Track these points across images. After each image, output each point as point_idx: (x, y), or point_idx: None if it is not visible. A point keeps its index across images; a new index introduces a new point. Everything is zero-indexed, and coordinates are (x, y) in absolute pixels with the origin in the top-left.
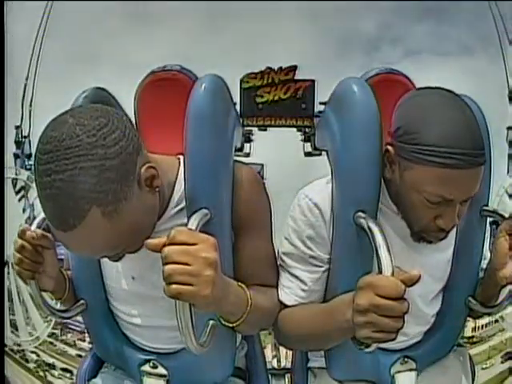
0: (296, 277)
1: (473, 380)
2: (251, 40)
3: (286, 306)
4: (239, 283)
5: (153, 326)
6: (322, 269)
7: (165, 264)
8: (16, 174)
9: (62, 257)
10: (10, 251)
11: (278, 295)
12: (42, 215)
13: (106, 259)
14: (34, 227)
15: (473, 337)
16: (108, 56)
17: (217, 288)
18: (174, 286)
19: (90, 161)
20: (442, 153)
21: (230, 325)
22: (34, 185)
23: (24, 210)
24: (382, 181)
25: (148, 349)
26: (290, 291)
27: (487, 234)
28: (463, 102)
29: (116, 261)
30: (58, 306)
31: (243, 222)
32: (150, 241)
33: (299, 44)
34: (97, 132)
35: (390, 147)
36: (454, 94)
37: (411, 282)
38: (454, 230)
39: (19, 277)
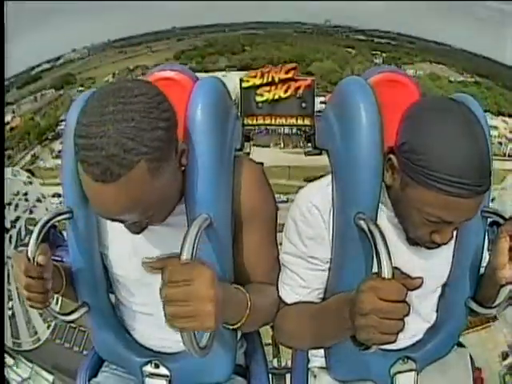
0: (296, 275)
1: (473, 380)
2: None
3: (286, 304)
4: (238, 286)
5: (160, 316)
6: (322, 268)
7: (165, 303)
8: (15, 175)
9: (64, 259)
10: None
11: (277, 292)
12: (34, 235)
13: (113, 247)
14: (31, 253)
15: None
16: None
17: (218, 317)
18: (178, 324)
19: (146, 118)
20: (448, 181)
21: (231, 327)
22: (33, 185)
23: (23, 212)
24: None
25: (153, 345)
26: (290, 289)
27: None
28: (472, 118)
29: (137, 233)
30: (58, 307)
31: (245, 214)
32: (146, 265)
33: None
34: (153, 96)
35: (393, 157)
36: (463, 107)
37: (413, 287)
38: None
39: (32, 307)
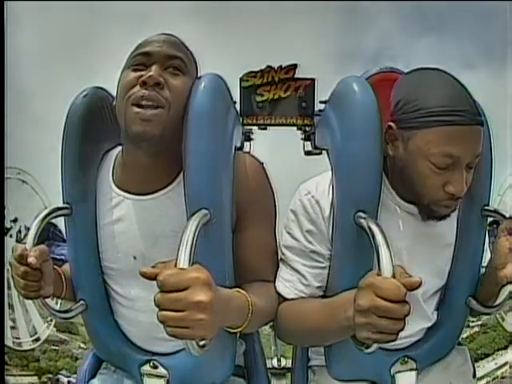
0: (296, 271)
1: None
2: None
3: (286, 299)
4: (240, 290)
5: (154, 310)
6: (323, 265)
7: (159, 309)
8: (15, 175)
9: (63, 257)
10: (9, 252)
11: (276, 288)
12: (32, 231)
13: (109, 240)
14: (29, 245)
15: None
16: (105, 55)
17: (212, 326)
18: (170, 329)
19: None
20: (443, 111)
21: (232, 330)
22: (33, 184)
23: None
24: (383, 170)
25: (148, 345)
26: (290, 285)
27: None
28: (455, 78)
29: (144, 122)
30: (58, 306)
31: (245, 210)
32: (144, 271)
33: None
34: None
35: (391, 123)
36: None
37: (412, 287)
38: (455, 229)
39: (26, 298)
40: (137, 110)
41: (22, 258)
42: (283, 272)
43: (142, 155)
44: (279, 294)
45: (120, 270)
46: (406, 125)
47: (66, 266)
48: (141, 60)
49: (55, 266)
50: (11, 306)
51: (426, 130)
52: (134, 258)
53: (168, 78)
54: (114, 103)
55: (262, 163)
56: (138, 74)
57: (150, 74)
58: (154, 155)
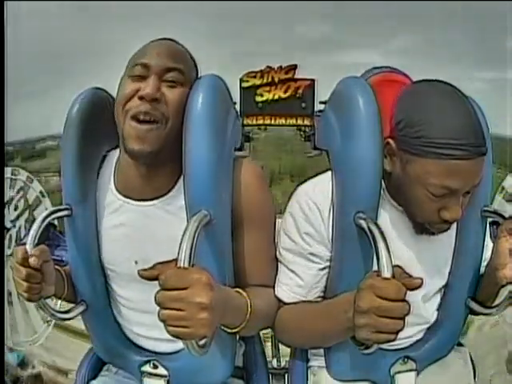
0: (294, 273)
1: (474, 378)
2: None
3: (284, 303)
4: (240, 290)
5: (154, 312)
6: (321, 266)
7: (160, 308)
8: (15, 175)
9: (64, 258)
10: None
11: (274, 292)
12: (33, 230)
13: (109, 242)
14: (29, 246)
15: None
16: (106, 56)
17: (212, 325)
18: (170, 328)
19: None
20: (447, 145)
21: (230, 331)
22: (33, 185)
23: (23, 211)
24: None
25: (148, 345)
26: (287, 288)
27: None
28: (462, 95)
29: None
30: (58, 307)
31: (243, 215)
32: (142, 272)
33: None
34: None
35: (390, 140)
36: (453, 87)
37: (412, 287)
38: (455, 228)
39: (28, 301)
40: (134, 124)
41: (24, 261)
42: (281, 275)
43: (139, 166)
44: (278, 299)
45: (121, 272)
46: (406, 148)
47: (68, 267)
48: (139, 71)
49: (56, 266)
50: (11, 306)
51: (426, 160)
52: (136, 262)
53: (165, 91)
54: (115, 105)
55: (259, 167)
56: (137, 86)
57: (147, 90)
58: (151, 167)
